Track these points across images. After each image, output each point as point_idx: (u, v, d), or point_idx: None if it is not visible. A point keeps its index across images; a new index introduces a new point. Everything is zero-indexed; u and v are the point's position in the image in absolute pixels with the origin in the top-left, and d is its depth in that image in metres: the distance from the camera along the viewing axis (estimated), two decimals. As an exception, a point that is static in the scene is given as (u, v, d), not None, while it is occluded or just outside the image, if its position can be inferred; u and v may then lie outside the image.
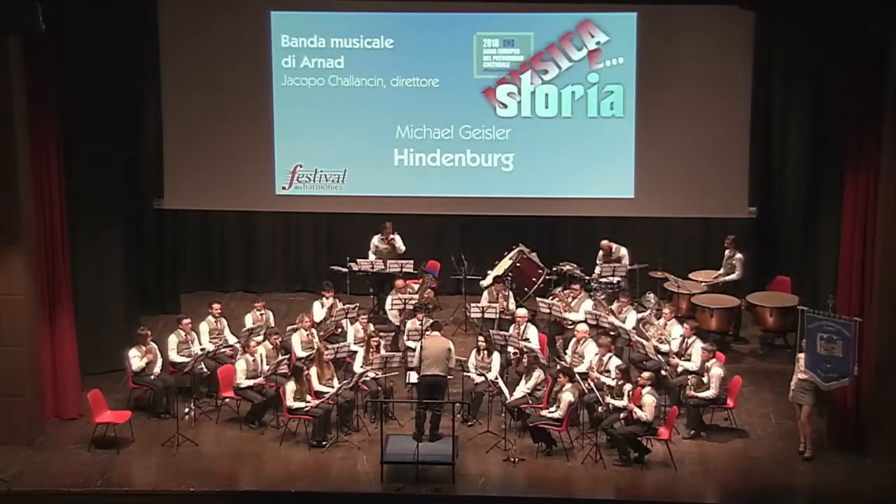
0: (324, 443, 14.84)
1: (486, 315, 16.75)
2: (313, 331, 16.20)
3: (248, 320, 16.47)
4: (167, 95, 18.07)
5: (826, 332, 14.24)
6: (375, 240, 18.13)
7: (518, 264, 17.76)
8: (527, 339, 15.84)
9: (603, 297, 17.05)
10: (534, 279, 17.76)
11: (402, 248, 18.04)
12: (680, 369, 15.31)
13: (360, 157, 18.37)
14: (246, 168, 18.34)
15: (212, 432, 15.23)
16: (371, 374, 15.40)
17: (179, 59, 17.97)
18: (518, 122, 18.18)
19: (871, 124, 14.28)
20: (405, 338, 16.18)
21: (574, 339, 15.80)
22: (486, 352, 15.47)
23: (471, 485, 14.09)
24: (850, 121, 14.85)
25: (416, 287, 17.45)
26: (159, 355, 15.70)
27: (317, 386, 15.09)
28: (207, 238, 19.54)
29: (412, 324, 16.11)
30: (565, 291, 17.18)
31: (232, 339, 16.24)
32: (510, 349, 15.90)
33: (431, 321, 15.54)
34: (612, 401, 14.58)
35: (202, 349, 15.96)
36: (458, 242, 18.90)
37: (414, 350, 15.48)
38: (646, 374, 14.56)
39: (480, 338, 15.70)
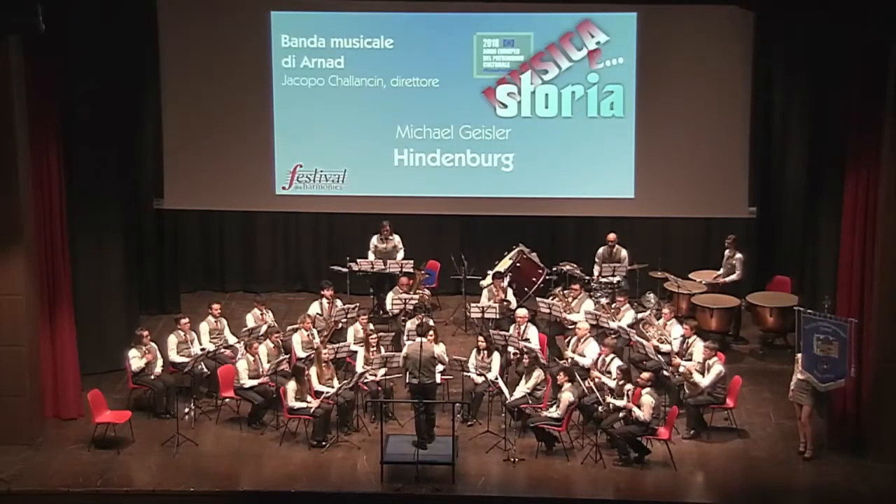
0: (324, 443, 14.84)
1: (486, 315, 16.76)
2: (314, 331, 16.21)
3: (250, 320, 16.48)
4: (167, 95, 18.06)
5: (822, 333, 14.24)
6: (375, 240, 18.14)
7: (518, 264, 17.77)
8: (527, 339, 15.84)
9: (604, 299, 17.07)
10: (534, 279, 17.77)
11: (401, 247, 18.06)
12: (681, 369, 15.30)
13: (360, 157, 18.36)
14: (246, 168, 18.34)
15: (212, 432, 15.23)
16: (370, 376, 15.40)
17: (179, 59, 17.95)
18: (518, 122, 18.17)
19: (871, 124, 14.29)
20: (405, 338, 16.17)
21: (575, 338, 15.82)
22: (486, 352, 15.48)
23: (471, 485, 14.10)
24: (850, 121, 14.88)
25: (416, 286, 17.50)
26: (159, 355, 15.71)
27: (317, 386, 15.10)
28: (207, 238, 19.55)
29: (412, 324, 16.10)
30: (565, 292, 17.18)
31: (232, 339, 16.25)
32: (510, 349, 15.91)
33: (417, 324, 15.49)
34: (613, 400, 14.59)
35: (202, 349, 15.96)
36: (458, 242, 18.91)
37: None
38: (645, 375, 14.57)
39: (480, 338, 15.71)
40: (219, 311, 16.44)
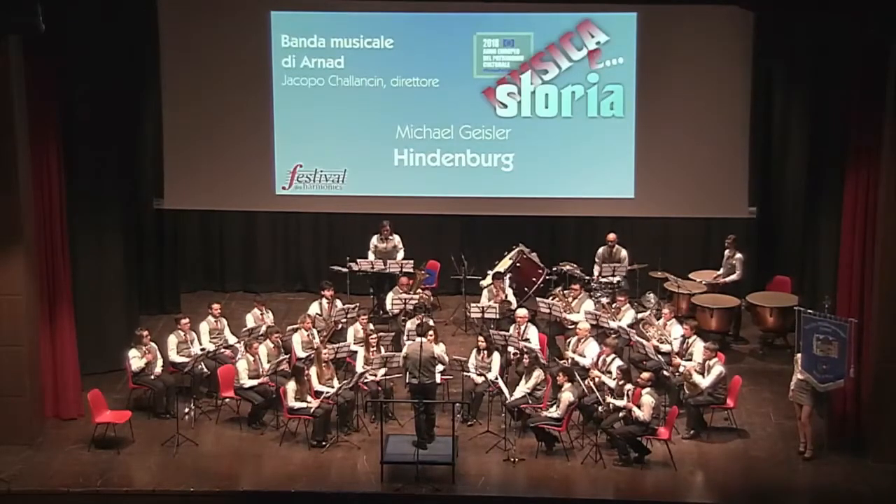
0: (324, 443, 14.84)
1: (486, 315, 16.76)
2: (314, 331, 16.21)
3: (249, 320, 16.48)
4: (167, 95, 18.06)
5: (822, 333, 14.24)
6: (374, 240, 18.15)
7: (518, 264, 17.77)
8: (527, 339, 15.84)
9: (604, 299, 17.07)
10: (534, 279, 17.77)
11: (401, 247, 18.07)
12: (682, 369, 15.29)
13: (360, 157, 18.36)
14: (246, 168, 18.34)
15: (212, 432, 15.24)
16: (370, 376, 15.40)
17: (179, 59, 17.95)
18: (518, 122, 18.16)
19: (871, 124, 14.29)
20: (405, 338, 16.17)
21: (575, 339, 15.82)
22: (486, 352, 15.47)
23: (471, 485, 14.10)
24: (850, 121, 14.88)
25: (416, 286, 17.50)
26: (159, 355, 15.71)
27: (317, 386, 15.10)
28: (207, 238, 19.55)
29: (412, 324, 16.10)
30: (565, 292, 17.18)
31: (232, 339, 16.25)
32: (510, 349, 15.91)
33: (417, 324, 15.49)
34: (613, 400, 14.59)
35: (202, 349, 15.96)
36: (458, 242, 18.90)
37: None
38: (645, 375, 14.57)
39: (480, 338, 15.71)
40: (219, 311, 16.44)
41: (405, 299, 16.90)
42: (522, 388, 15.16)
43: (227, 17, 17.95)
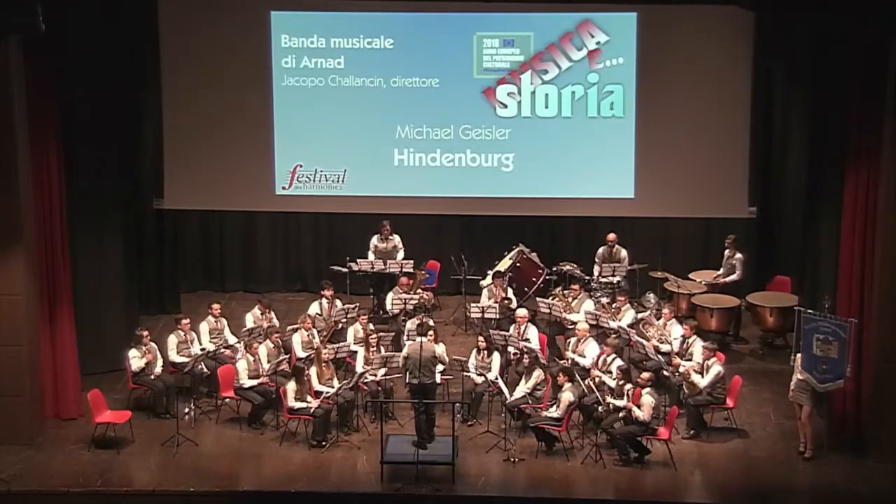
0: (324, 443, 14.85)
1: (486, 315, 16.77)
2: (314, 331, 16.21)
3: (249, 320, 16.48)
4: (167, 96, 18.06)
5: (822, 333, 14.24)
6: (375, 240, 18.15)
7: (518, 264, 17.77)
8: (527, 339, 15.84)
9: (604, 299, 17.07)
10: (534, 279, 17.77)
11: (401, 247, 18.07)
12: (681, 369, 15.29)
13: (360, 157, 18.36)
14: (246, 168, 18.33)
15: (212, 432, 15.24)
16: (370, 376, 15.40)
17: (179, 59, 17.95)
18: (518, 122, 18.16)
19: (871, 124, 14.29)
20: (405, 338, 16.17)
21: (575, 339, 15.81)
22: (486, 352, 15.48)
23: (471, 485, 14.10)
24: (850, 121, 14.88)
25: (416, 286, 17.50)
26: (159, 355, 15.71)
27: (317, 386, 15.10)
28: (207, 238, 19.56)
29: (412, 324, 16.10)
30: (565, 292, 17.18)
31: (232, 339, 16.25)
32: (510, 349, 15.91)
33: (417, 324, 15.50)
34: (613, 401, 14.60)
35: (202, 349, 15.97)
36: (458, 242, 18.91)
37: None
38: (645, 375, 14.57)
39: (480, 338, 15.71)
40: (219, 311, 16.44)
41: (405, 299, 16.91)
42: (522, 388, 15.17)
43: (227, 17, 17.95)
